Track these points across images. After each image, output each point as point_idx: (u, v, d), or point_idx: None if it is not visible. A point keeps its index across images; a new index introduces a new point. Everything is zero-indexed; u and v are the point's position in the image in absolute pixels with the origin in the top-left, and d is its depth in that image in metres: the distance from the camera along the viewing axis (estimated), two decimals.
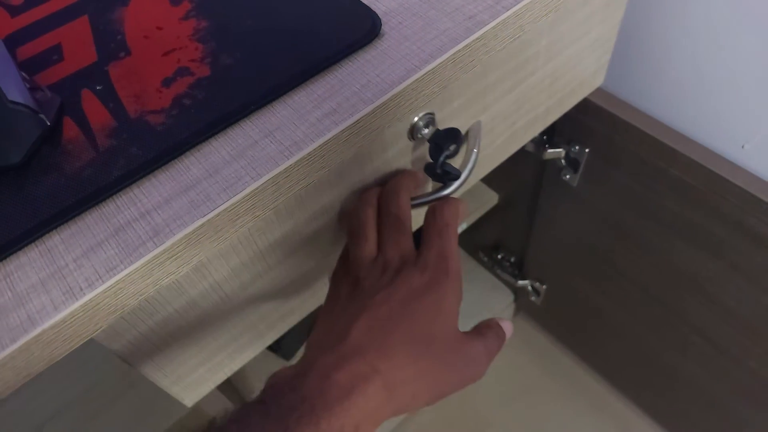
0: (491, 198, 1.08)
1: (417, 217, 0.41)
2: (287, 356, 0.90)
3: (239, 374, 0.90)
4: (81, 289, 0.29)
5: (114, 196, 0.32)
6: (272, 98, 0.36)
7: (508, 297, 1.28)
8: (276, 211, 0.36)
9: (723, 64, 0.61)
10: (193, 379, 0.47)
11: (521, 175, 0.98)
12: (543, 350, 1.31)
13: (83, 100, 0.37)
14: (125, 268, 0.30)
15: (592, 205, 0.87)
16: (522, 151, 0.91)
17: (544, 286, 1.13)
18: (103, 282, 0.29)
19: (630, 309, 0.96)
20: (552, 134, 0.83)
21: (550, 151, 0.83)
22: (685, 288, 0.82)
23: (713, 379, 0.90)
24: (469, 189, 1.10)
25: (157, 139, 0.34)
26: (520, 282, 1.17)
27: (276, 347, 0.88)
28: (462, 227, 1.04)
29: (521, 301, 1.27)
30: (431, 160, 0.42)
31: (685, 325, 0.86)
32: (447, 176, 0.42)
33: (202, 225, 0.31)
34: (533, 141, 0.85)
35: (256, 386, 0.88)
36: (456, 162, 0.43)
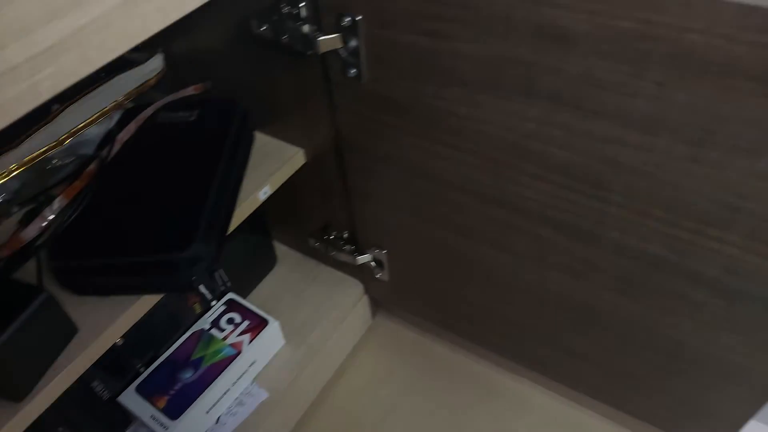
0: (296, 156, 0.89)
1: None
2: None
3: None
4: None
5: None
6: None
7: (357, 288, 1.08)
8: None
9: None
10: None
11: (310, 108, 0.81)
12: (415, 346, 1.10)
13: None
14: None
15: (388, 99, 0.70)
16: (292, 68, 0.68)
17: (384, 252, 0.94)
18: None
19: (498, 245, 0.78)
20: (317, 16, 0.67)
21: (322, 39, 0.67)
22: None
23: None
24: (267, 150, 0.91)
25: None
26: (360, 258, 0.98)
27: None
28: (265, 192, 0.84)
29: (373, 288, 1.06)
30: None
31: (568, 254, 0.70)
32: None
33: None
34: (300, 36, 0.68)
35: None
36: None
